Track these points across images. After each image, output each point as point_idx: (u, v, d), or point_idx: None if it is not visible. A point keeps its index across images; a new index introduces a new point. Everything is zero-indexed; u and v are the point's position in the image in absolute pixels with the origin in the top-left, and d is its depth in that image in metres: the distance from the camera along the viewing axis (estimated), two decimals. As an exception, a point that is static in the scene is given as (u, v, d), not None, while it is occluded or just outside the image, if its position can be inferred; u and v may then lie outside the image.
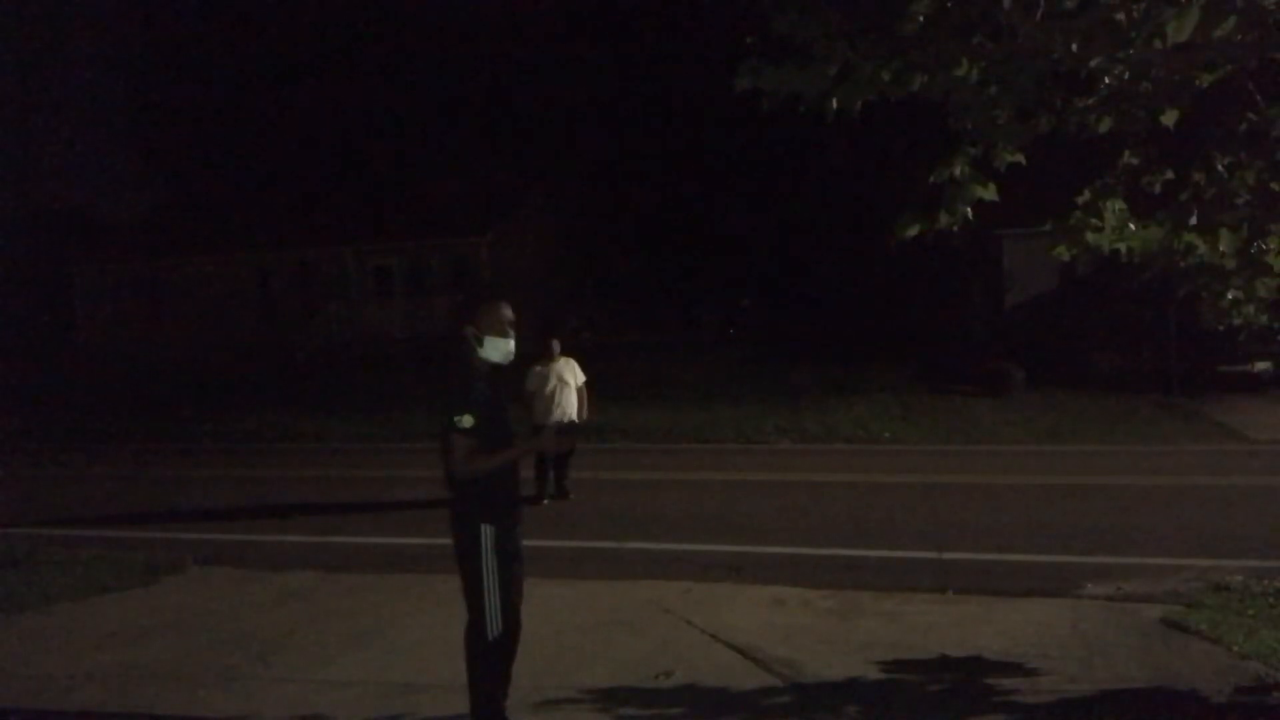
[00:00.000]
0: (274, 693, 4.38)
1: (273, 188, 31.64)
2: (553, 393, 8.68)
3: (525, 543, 3.77)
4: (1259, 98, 3.60)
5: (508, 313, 3.66)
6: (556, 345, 8.88)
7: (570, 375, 8.85)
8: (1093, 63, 3.19)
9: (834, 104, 3.29)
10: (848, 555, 6.88)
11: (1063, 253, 4.17)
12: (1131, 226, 4.01)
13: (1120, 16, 3.01)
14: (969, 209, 3.60)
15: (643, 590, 5.91)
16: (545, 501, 8.73)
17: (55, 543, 7.66)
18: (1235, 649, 4.58)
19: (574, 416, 8.66)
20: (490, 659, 3.56)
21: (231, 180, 33.54)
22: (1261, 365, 16.42)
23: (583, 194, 31.46)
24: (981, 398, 15.72)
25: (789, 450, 12.41)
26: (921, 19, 3.11)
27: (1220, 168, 3.77)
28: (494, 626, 3.48)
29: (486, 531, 3.50)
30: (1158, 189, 4.01)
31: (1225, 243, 3.79)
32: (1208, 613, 5.12)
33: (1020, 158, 3.68)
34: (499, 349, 3.63)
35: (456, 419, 3.42)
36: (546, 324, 10.77)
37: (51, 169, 35.37)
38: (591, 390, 9.14)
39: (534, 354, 8.55)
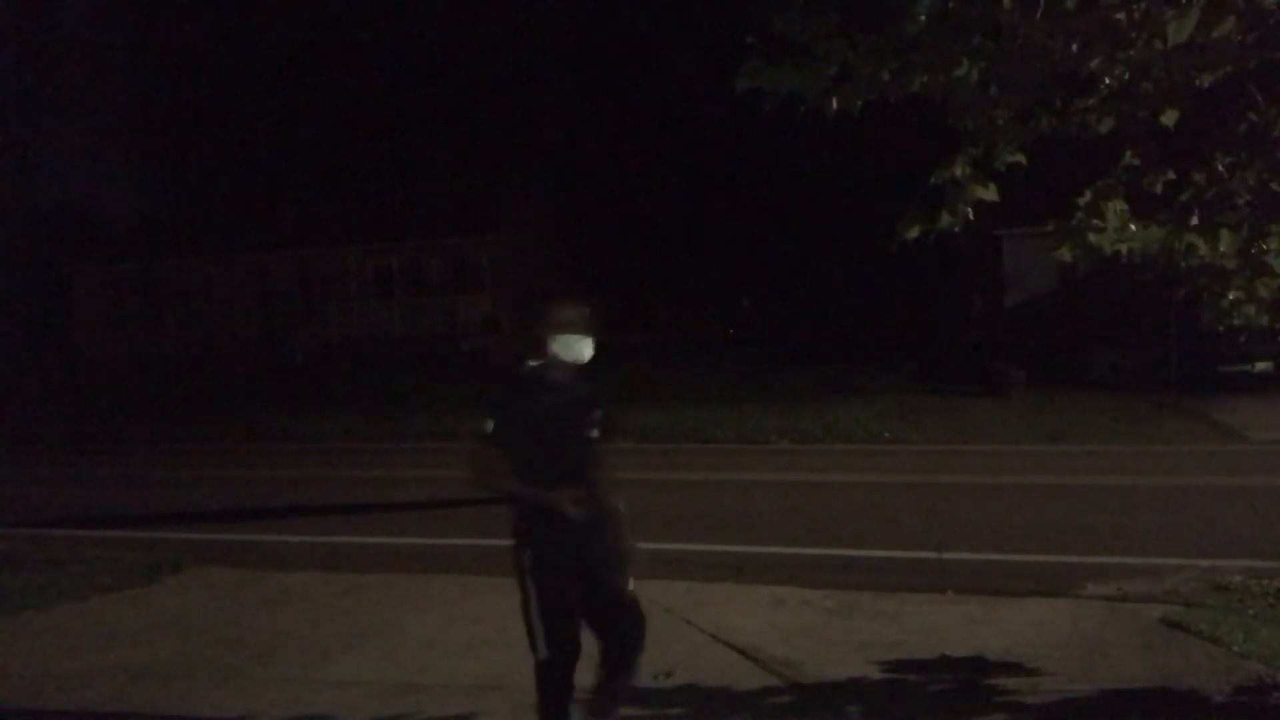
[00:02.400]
0: (274, 693, 4.38)
1: (272, 188, 31.63)
2: None
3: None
4: (1259, 98, 3.61)
5: (573, 310, 3.67)
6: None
7: None
8: (1093, 63, 3.19)
9: (834, 104, 3.29)
10: (848, 555, 6.87)
11: (1065, 254, 4.15)
12: (1132, 227, 4.01)
13: (1120, 17, 3.01)
14: (970, 209, 3.60)
15: (643, 590, 5.88)
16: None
17: (56, 543, 7.65)
18: (1235, 649, 4.58)
19: None
20: (550, 674, 3.42)
21: (231, 180, 33.53)
22: (1261, 365, 16.43)
23: (583, 194, 31.44)
24: (981, 398, 15.71)
25: (789, 450, 12.40)
26: (922, 19, 3.11)
27: (1220, 168, 3.77)
28: (540, 650, 3.38)
29: (525, 556, 3.41)
30: (1158, 189, 4.00)
31: (1226, 243, 3.78)
32: (1208, 613, 5.12)
33: (1020, 158, 3.67)
34: (570, 347, 3.64)
35: (483, 423, 3.43)
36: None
37: (51, 169, 35.39)
38: None
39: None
